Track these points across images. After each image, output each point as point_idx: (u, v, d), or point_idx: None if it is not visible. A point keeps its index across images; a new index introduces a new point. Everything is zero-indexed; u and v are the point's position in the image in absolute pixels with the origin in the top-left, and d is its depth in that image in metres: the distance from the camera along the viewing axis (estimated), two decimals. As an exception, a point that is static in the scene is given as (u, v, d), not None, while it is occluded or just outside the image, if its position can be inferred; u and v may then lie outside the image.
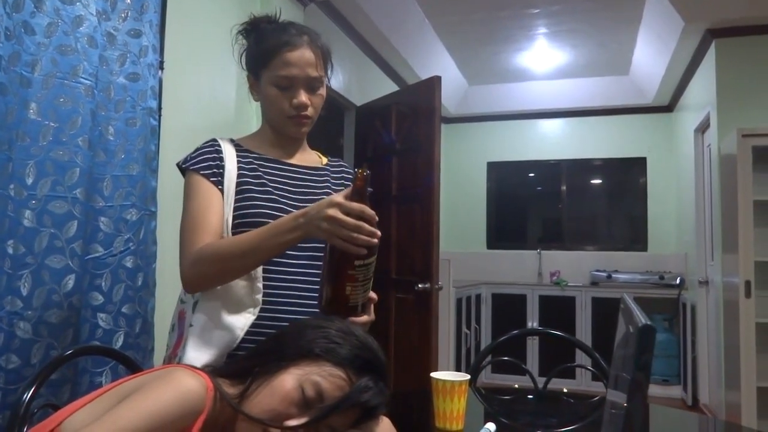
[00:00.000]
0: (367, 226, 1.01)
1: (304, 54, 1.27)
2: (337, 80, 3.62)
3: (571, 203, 6.07)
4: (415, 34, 4.45)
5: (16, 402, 1.07)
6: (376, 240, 1.03)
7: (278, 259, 1.22)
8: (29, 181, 1.52)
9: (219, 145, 1.31)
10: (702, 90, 4.27)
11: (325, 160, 1.45)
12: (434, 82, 3.21)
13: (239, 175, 1.28)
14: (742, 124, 3.49)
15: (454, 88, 5.64)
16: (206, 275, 1.18)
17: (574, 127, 5.99)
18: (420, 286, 3.09)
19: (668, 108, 5.58)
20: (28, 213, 1.52)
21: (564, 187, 6.07)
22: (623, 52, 4.90)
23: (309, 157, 1.42)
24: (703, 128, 4.37)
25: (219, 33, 2.51)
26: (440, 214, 3.20)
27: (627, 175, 5.89)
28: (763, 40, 3.74)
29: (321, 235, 1.05)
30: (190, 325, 1.18)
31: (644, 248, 5.70)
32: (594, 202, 6.10)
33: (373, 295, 1.15)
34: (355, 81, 4.05)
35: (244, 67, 1.38)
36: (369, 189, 1.06)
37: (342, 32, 3.83)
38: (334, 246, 1.04)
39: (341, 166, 1.47)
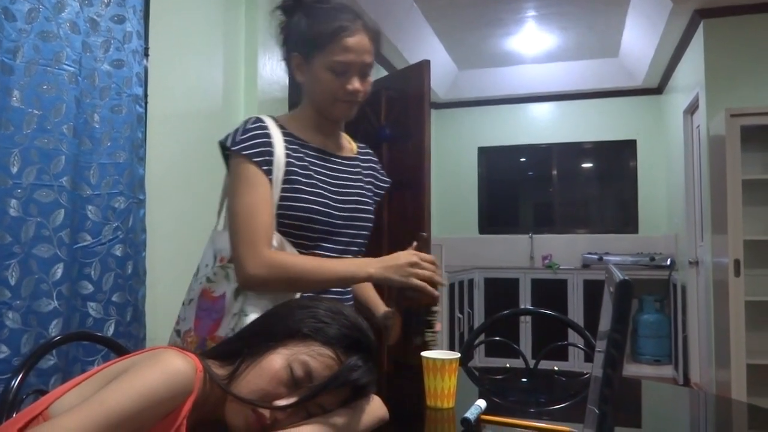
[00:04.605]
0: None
1: (362, 40, 1.26)
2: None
3: (563, 187, 6.09)
4: (404, 18, 4.42)
5: (5, 388, 1.07)
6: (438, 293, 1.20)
7: (326, 254, 1.29)
8: (14, 169, 1.51)
9: (267, 128, 1.27)
10: (691, 71, 4.28)
11: (354, 146, 1.46)
12: (423, 67, 3.19)
13: (287, 164, 1.26)
14: (731, 104, 3.51)
15: (444, 73, 5.62)
16: (268, 286, 1.20)
17: (564, 111, 5.99)
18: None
19: (658, 90, 5.59)
20: (13, 202, 1.50)
21: (555, 171, 6.08)
22: (612, 34, 4.90)
23: (343, 144, 1.42)
24: (692, 109, 4.38)
25: (205, 18, 2.48)
26: (431, 200, 3.20)
27: (617, 157, 5.90)
28: (750, 20, 3.75)
29: (397, 280, 1.18)
30: (245, 314, 1.17)
31: (635, 230, 5.73)
32: (585, 185, 6.11)
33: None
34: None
35: (284, 44, 1.34)
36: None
37: (329, 18, 3.80)
38: (408, 305, 1.23)
39: (368, 154, 1.48)
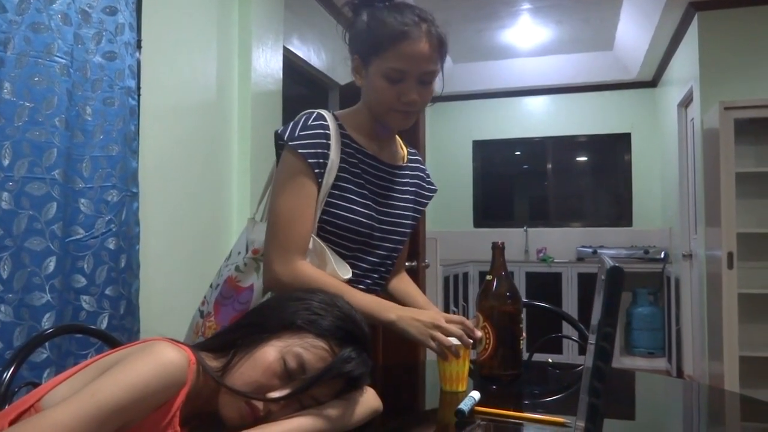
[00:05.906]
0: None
1: (422, 48, 1.19)
2: (320, 59, 3.58)
3: (557, 180, 6.10)
4: (398, 11, 4.39)
5: (-3, 382, 1.06)
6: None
7: (362, 265, 1.28)
8: (5, 162, 1.49)
9: (328, 127, 1.22)
10: (685, 64, 4.28)
11: (406, 152, 1.42)
12: (418, 60, 3.18)
13: (340, 169, 1.23)
14: (725, 98, 3.51)
15: (439, 66, 5.60)
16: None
17: (558, 104, 6.00)
18: (406, 264, 3.09)
19: (652, 83, 5.60)
20: (5, 195, 1.49)
21: (550, 165, 6.09)
22: (607, 27, 4.89)
23: (396, 151, 1.39)
24: (686, 103, 4.39)
25: (198, 10, 2.47)
26: (426, 192, 3.20)
27: (612, 151, 5.92)
28: (744, 13, 3.75)
29: (417, 338, 1.13)
30: None
31: (629, 223, 5.75)
32: (579, 178, 6.13)
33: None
34: (339, 59, 4.01)
35: (347, 42, 1.29)
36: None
37: (323, 9, 3.79)
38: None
39: (417, 162, 1.45)
